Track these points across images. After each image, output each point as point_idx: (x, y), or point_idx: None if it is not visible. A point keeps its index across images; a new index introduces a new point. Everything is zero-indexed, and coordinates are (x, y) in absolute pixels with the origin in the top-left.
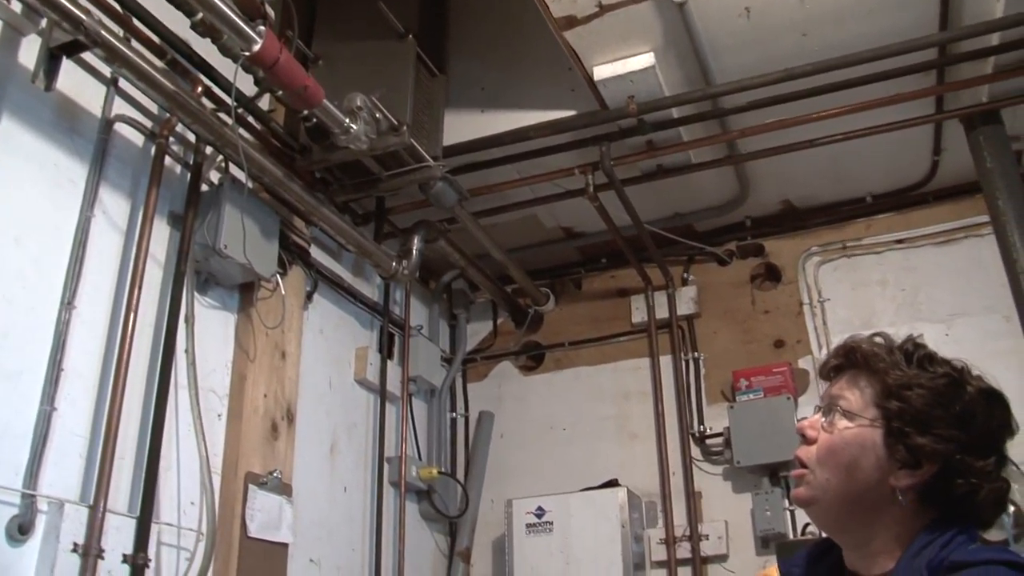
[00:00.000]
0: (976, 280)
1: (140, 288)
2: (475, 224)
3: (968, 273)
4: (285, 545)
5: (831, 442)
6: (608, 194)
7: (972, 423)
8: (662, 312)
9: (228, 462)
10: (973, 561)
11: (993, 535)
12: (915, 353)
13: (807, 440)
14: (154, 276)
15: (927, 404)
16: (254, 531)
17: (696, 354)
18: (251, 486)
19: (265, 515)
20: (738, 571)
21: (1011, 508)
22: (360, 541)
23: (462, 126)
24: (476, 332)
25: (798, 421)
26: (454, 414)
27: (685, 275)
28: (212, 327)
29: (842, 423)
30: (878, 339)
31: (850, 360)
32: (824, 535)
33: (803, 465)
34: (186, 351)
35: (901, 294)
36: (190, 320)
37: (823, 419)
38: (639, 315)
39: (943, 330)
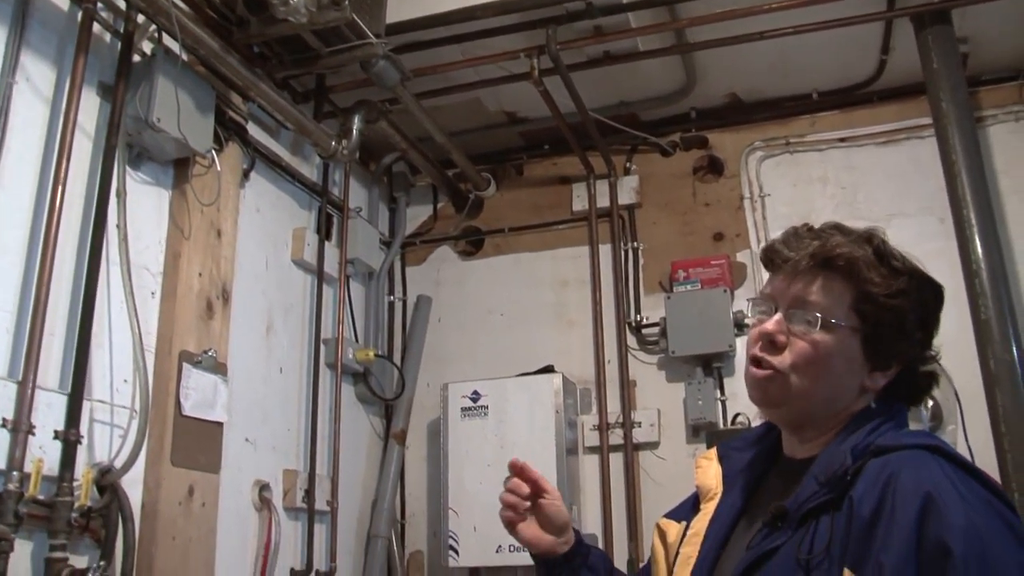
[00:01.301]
0: (914, 181)
1: (68, 160)
2: (417, 105)
3: (907, 174)
4: (220, 424)
5: (810, 353)
6: (553, 79)
7: (929, 320)
8: (603, 201)
9: (162, 340)
10: (897, 445)
11: (912, 428)
12: (884, 252)
13: (776, 345)
14: (83, 148)
15: (904, 309)
16: (188, 409)
17: (635, 244)
18: (185, 365)
19: (199, 394)
20: (669, 458)
21: (930, 402)
22: (295, 421)
23: (407, 3)
24: (416, 216)
25: (761, 325)
26: (392, 297)
27: (627, 164)
28: (145, 203)
29: (820, 331)
30: (846, 239)
31: (828, 264)
32: (764, 421)
33: (765, 366)
34: (118, 227)
35: (841, 192)
36: (121, 195)
37: (793, 325)
38: (580, 203)
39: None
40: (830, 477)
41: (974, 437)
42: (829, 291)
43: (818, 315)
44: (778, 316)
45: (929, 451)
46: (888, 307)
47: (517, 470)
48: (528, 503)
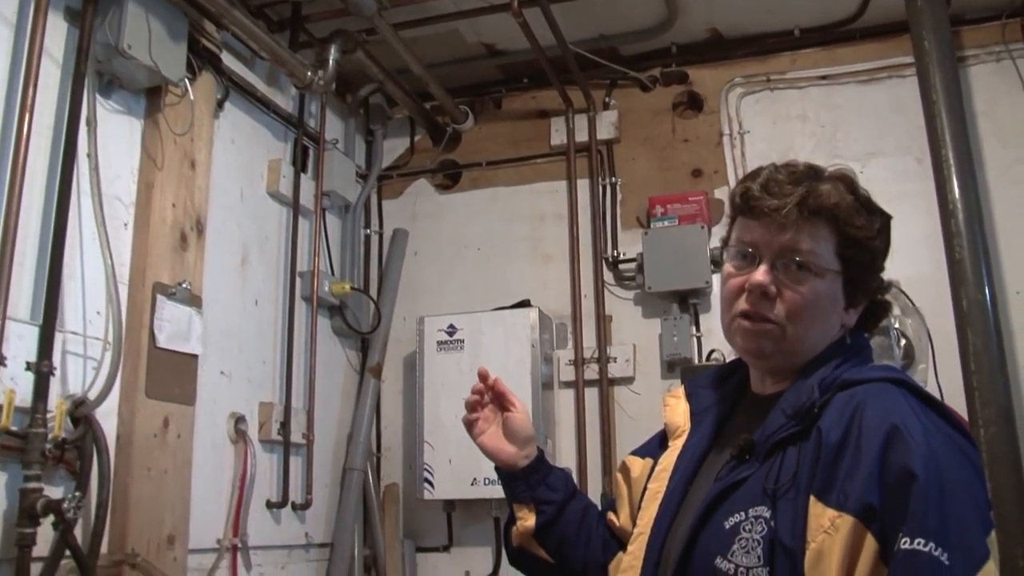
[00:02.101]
0: (894, 121)
1: (35, 88)
2: (395, 36)
3: (887, 114)
4: (195, 356)
5: (802, 301)
6: (533, 11)
7: (887, 253)
8: (581, 135)
9: (135, 272)
10: (863, 379)
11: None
12: (860, 195)
13: (768, 296)
14: (51, 75)
15: (880, 249)
16: (163, 341)
17: (613, 179)
18: (159, 296)
19: (174, 326)
20: (644, 393)
21: (902, 341)
22: (271, 354)
23: None
24: (393, 148)
25: (748, 276)
26: (368, 230)
27: (607, 99)
28: (116, 132)
29: (812, 278)
30: (830, 185)
31: (814, 211)
32: (733, 358)
33: (761, 318)
34: (88, 156)
35: (820, 130)
36: (92, 124)
37: (782, 274)
38: (558, 137)
39: (858, 168)
40: (798, 410)
41: (945, 375)
42: (816, 238)
43: (810, 263)
44: (765, 266)
45: (894, 384)
46: (869, 248)
47: (483, 377)
48: (487, 399)
